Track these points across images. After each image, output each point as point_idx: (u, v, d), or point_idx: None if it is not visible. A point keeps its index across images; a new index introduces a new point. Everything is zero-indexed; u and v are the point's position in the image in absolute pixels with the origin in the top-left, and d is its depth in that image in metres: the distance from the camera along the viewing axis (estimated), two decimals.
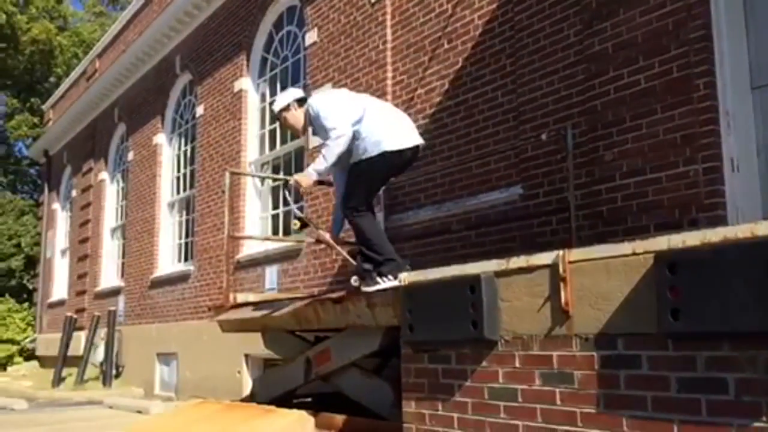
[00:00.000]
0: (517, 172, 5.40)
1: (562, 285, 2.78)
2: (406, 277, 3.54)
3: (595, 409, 2.63)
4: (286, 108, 4.53)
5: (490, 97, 5.72)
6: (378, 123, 4.24)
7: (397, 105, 6.59)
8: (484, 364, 3.08)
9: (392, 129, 4.26)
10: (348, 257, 4.96)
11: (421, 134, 6.23)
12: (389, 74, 6.74)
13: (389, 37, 6.80)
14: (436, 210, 6.03)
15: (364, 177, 4.28)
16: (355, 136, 4.23)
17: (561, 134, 4.86)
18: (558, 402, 2.75)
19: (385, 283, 4.05)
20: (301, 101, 4.53)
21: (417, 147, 4.39)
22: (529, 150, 5.27)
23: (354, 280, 4.26)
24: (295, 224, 4.85)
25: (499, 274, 3.07)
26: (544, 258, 2.89)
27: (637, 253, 2.55)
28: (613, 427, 2.55)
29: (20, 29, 25.20)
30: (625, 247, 2.60)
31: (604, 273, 2.66)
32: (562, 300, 2.78)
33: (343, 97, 4.49)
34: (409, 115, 6.42)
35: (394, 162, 4.28)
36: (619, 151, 4.61)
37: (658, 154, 4.37)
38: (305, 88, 8.17)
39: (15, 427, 6.71)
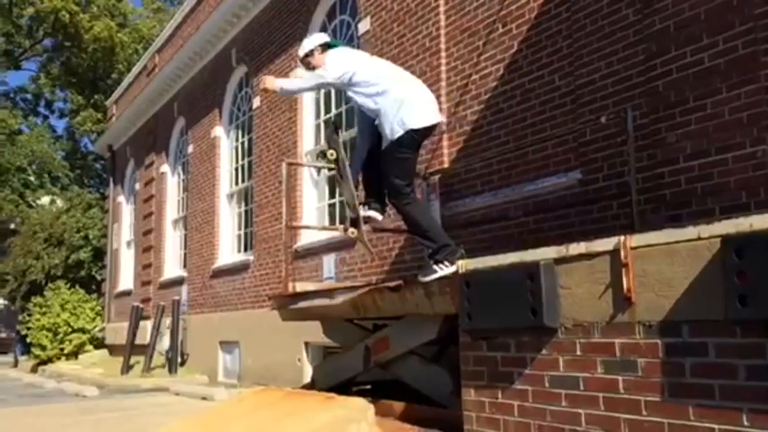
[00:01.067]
0: (575, 157, 5.30)
1: (623, 271, 2.73)
2: (463, 265, 3.53)
3: (660, 397, 2.57)
4: (311, 53, 4.52)
5: (547, 80, 5.62)
6: (402, 98, 4.17)
7: (451, 91, 6.57)
8: (544, 351, 3.05)
9: (417, 104, 4.20)
10: (367, 246, 4.93)
11: (476, 120, 6.25)
12: (443, 60, 6.69)
13: (443, 23, 6.74)
14: (492, 196, 5.97)
15: (399, 160, 4.21)
16: (380, 113, 4.20)
17: (621, 116, 4.74)
18: (621, 390, 2.71)
19: (442, 270, 4.02)
20: (325, 47, 4.52)
21: (435, 125, 4.38)
22: (588, 133, 5.16)
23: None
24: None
25: (559, 261, 3.03)
26: (605, 244, 2.84)
27: (703, 237, 2.47)
28: (679, 416, 2.50)
29: (83, 28, 26.03)
30: (690, 232, 2.53)
31: (667, 258, 2.60)
32: (624, 287, 2.72)
33: (359, 58, 4.47)
34: (464, 101, 6.40)
35: (419, 139, 4.26)
36: (683, 133, 4.47)
37: (724, 135, 4.22)
38: None
39: (88, 413, 6.98)
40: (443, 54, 6.69)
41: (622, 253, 2.73)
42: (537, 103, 5.69)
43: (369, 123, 4.41)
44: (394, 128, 4.12)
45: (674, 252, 2.57)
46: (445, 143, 6.57)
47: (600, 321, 2.83)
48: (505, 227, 5.78)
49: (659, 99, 4.64)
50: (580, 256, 2.94)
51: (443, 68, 6.68)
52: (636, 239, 2.73)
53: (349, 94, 4.39)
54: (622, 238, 2.76)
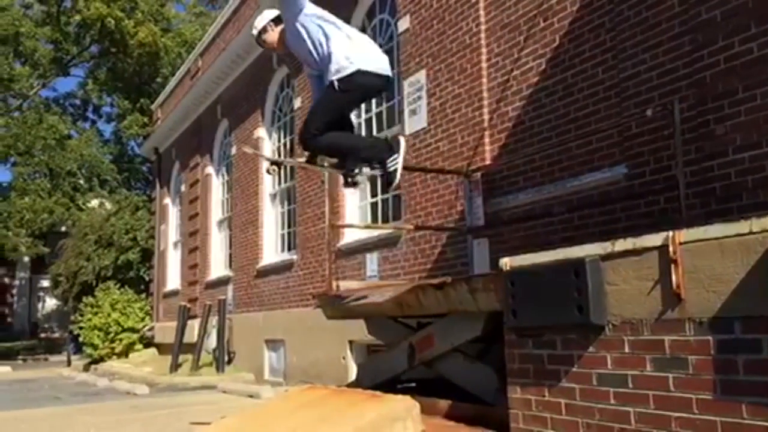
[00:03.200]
0: (620, 151, 5.22)
1: (672, 267, 2.68)
2: (508, 262, 3.50)
3: (712, 395, 2.52)
4: (264, 30, 4.52)
5: (590, 74, 5.55)
6: (353, 42, 4.20)
7: (492, 87, 6.53)
8: (591, 349, 3.01)
9: (369, 51, 4.23)
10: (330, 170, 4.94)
11: (518, 116, 6.20)
12: (483, 56, 6.66)
13: (482, 19, 6.71)
14: (536, 193, 5.92)
15: (334, 100, 4.24)
16: (329, 54, 4.18)
17: (667, 109, 4.65)
18: (672, 388, 2.66)
19: (397, 163, 4.18)
20: (277, 20, 4.49)
21: (388, 78, 4.32)
22: (633, 127, 5.08)
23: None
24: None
25: (605, 257, 2.99)
26: (653, 239, 2.79)
27: (755, 231, 2.41)
28: (732, 414, 2.44)
29: (128, 34, 26.57)
30: (741, 226, 2.47)
31: (718, 254, 2.54)
32: (674, 283, 2.67)
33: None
34: (505, 97, 6.36)
35: (367, 84, 4.22)
36: (732, 125, 4.36)
37: None
38: (399, 75, 8.20)
39: (139, 411, 7.14)
40: (483, 50, 6.66)
41: (671, 249, 2.68)
42: (580, 97, 5.61)
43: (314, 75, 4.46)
44: (342, 66, 4.14)
45: (725, 247, 2.51)
46: (486, 140, 6.53)
47: (648, 318, 2.78)
48: (548, 224, 5.72)
49: (707, 90, 4.54)
50: (627, 252, 2.90)
51: (484, 65, 6.64)
52: (685, 234, 2.68)
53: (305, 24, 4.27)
54: (671, 233, 2.71)
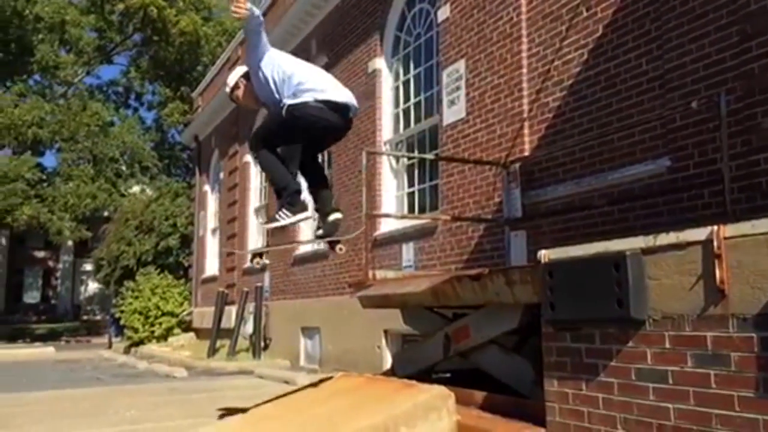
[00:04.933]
0: (663, 144, 5.12)
1: (716, 262, 2.63)
2: (546, 255, 3.48)
3: (755, 393, 2.48)
4: (236, 86, 4.52)
5: (633, 65, 5.45)
6: (313, 76, 4.20)
7: (532, 78, 6.46)
8: (630, 344, 2.98)
9: (327, 85, 4.19)
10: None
11: (558, 107, 6.12)
12: (524, 47, 6.59)
13: (524, 8, 6.63)
14: (575, 185, 5.85)
15: (278, 122, 4.21)
16: (289, 86, 4.15)
17: (713, 101, 4.55)
18: (713, 385, 2.62)
19: (283, 219, 4.04)
20: (247, 75, 4.48)
21: (347, 109, 4.22)
22: (677, 119, 4.98)
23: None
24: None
25: (646, 251, 2.95)
26: (697, 234, 2.74)
27: None
28: None
29: (170, 22, 26.93)
30: None
31: (763, 249, 2.49)
32: (717, 278, 2.63)
33: None
34: (546, 88, 6.29)
35: (316, 116, 4.13)
36: None
37: None
38: (438, 65, 8.16)
39: (177, 393, 7.28)
40: (524, 40, 6.59)
41: (715, 244, 2.63)
42: (623, 88, 5.52)
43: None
44: (296, 94, 4.12)
45: None
46: (526, 131, 6.47)
47: (690, 313, 2.74)
48: (588, 217, 5.65)
49: (754, 82, 4.42)
50: (670, 247, 2.86)
51: (524, 54, 6.57)
52: (730, 229, 2.63)
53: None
54: (715, 227, 2.66)
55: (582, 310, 3.20)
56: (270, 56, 4.24)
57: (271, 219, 4.19)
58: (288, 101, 4.13)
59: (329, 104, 4.14)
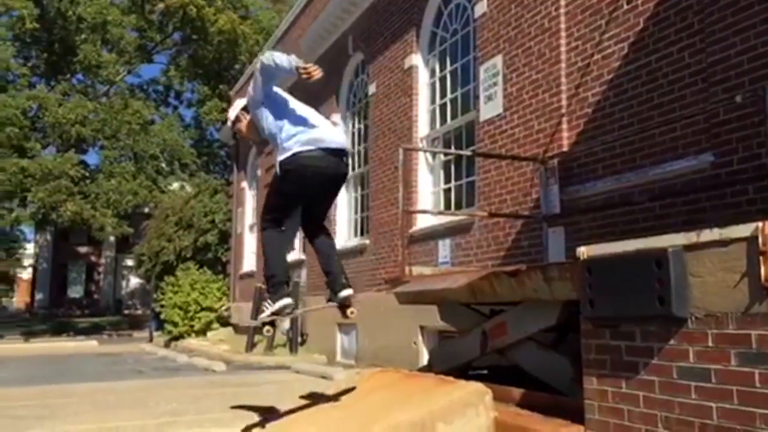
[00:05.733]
0: (706, 138, 5.02)
1: (761, 259, 2.58)
2: (585, 251, 3.44)
3: None
4: (237, 120, 4.49)
5: (675, 58, 5.35)
6: (296, 119, 4.09)
7: (571, 73, 6.38)
8: (672, 342, 2.93)
9: (309, 127, 4.07)
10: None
11: (598, 102, 6.05)
12: (563, 41, 6.51)
13: (562, 2, 6.55)
14: (615, 181, 5.77)
15: (277, 188, 4.16)
16: (279, 135, 4.10)
17: (758, 95, 4.45)
18: (757, 384, 2.57)
19: (266, 310, 3.94)
20: (246, 108, 4.44)
21: (340, 154, 4.11)
22: (720, 114, 4.88)
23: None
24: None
25: (689, 247, 2.90)
26: (741, 230, 2.69)
27: None
28: None
29: (209, 21, 27.27)
30: None
31: None
32: (762, 275, 2.57)
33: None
34: (585, 83, 6.21)
35: (308, 168, 4.00)
36: None
37: None
38: (474, 60, 8.12)
39: (216, 387, 7.39)
40: (563, 34, 6.51)
41: (761, 240, 2.58)
42: (664, 82, 5.43)
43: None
44: (285, 148, 4.05)
45: None
46: (564, 126, 6.41)
47: (734, 311, 2.69)
48: (628, 213, 5.58)
49: None
50: (713, 243, 2.80)
51: (563, 49, 6.50)
52: None
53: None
54: (761, 224, 2.60)
55: (622, 307, 3.17)
56: (269, 103, 4.19)
57: (258, 314, 4.08)
58: (279, 158, 4.08)
59: (319, 151, 4.03)
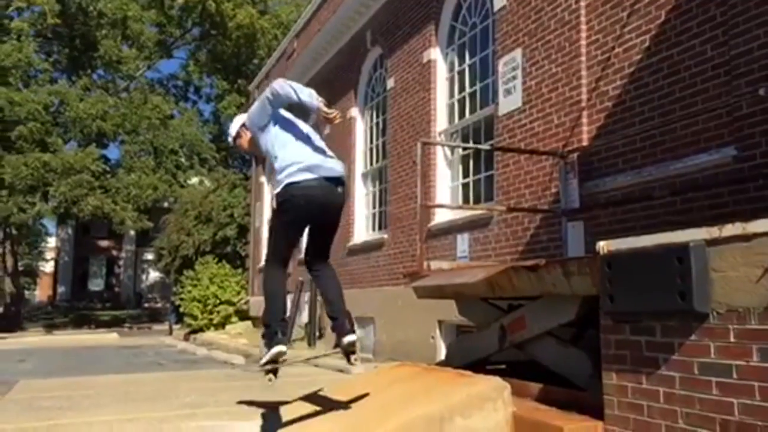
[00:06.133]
0: (729, 132, 4.96)
1: None
2: (605, 246, 3.42)
3: None
4: (238, 136, 4.47)
5: (697, 51, 5.28)
6: (291, 148, 4.02)
7: (592, 66, 6.33)
8: (693, 337, 2.91)
9: (303, 156, 4.00)
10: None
11: (618, 95, 5.99)
12: (583, 34, 6.45)
13: None
14: (635, 175, 5.72)
15: (275, 223, 4.12)
16: (275, 164, 4.05)
17: None
18: None
19: (263, 358, 3.89)
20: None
21: (335, 182, 4.03)
22: (743, 107, 4.81)
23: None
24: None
25: (711, 242, 2.87)
26: (764, 225, 2.65)
27: None
28: None
29: (227, 16, 27.42)
30: None
31: None
32: None
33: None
34: (605, 76, 6.16)
35: (301, 197, 3.92)
36: None
37: None
38: (493, 54, 8.08)
39: (235, 380, 7.43)
40: (583, 27, 6.45)
41: None
42: (686, 75, 5.36)
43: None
44: (278, 180, 4.00)
45: None
46: (584, 120, 6.35)
47: (757, 307, 2.66)
48: (648, 207, 5.52)
49: None
50: (736, 238, 2.77)
51: (583, 42, 6.44)
52: None
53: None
54: None
55: (642, 302, 3.14)
56: (269, 129, 4.16)
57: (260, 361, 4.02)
58: (275, 191, 4.04)
59: (312, 180, 3.96)
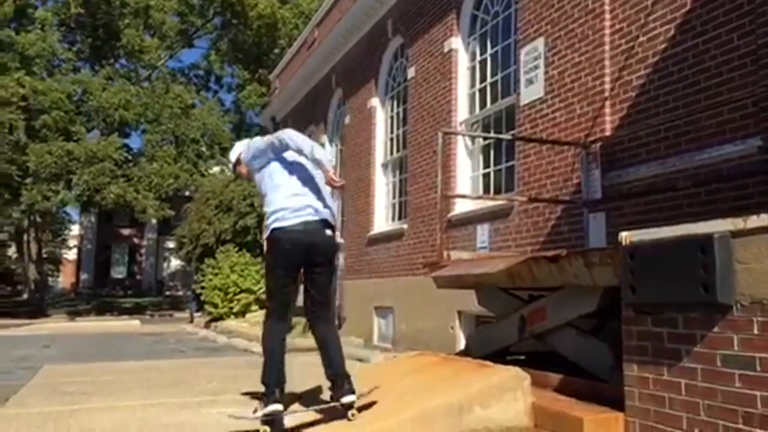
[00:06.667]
0: (755, 122, 4.89)
1: None
2: (627, 237, 3.39)
3: None
4: (238, 163, 4.47)
5: (724, 40, 5.20)
6: (282, 191, 4.02)
7: (615, 55, 6.26)
8: (716, 329, 2.88)
9: (292, 201, 3.99)
10: None
11: (642, 85, 5.92)
12: (607, 23, 6.38)
13: None
14: (659, 166, 5.66)
15: (266, 266, 4.13)
16: (265, 206, 4.08)
17: None
18: None
19: (258, 411, 3.84)
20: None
21: (322, 225, 4.03)
22: None
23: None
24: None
25: (736, 234, 2.84)
26: None
27: None
28: None
29: (248, 5, 27.44)
30: None
31: None
32: None
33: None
34: (629, 65, 6.09)
35: (287, 241, 3.93)
36: None
37: None
38: (515, 43, 8.02)
39: (255, 367, 7.47)
40: (607, 15, 6.38)
41: None
42: (712, 65, 5.29)
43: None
44: (267, 225, 4.02)
45: None
46: (607, 110, 6.30)
47: None
48: (672, 198, 5.47)
49: None
50: (761, 230, 2.74)
51: (607, 31, 6.37)
52: None
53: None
54: None
55: (665, 293, 3.12)
56: (265, 168, 4.18)
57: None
58: (263, 236, 4.07)
59: (300, 224, 3.96)
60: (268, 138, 4.23)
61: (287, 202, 4.01)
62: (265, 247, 4.09)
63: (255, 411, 3.88)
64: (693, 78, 5.44)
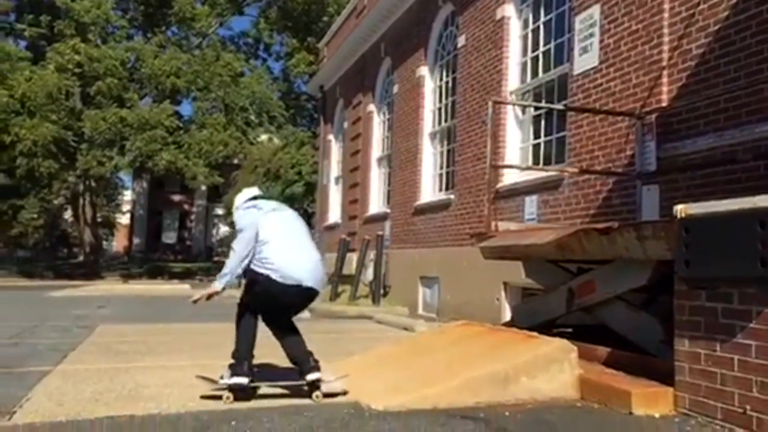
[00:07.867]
0: None
1: None
2: (683, 210, 3.32)
3: None
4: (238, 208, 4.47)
5: None
6: (278, 253, 4.08)
7: (674, 23, 6.06)
8: None
9: (288, 262, 4.07)
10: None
11: (702, 54, 5.73)
12: None
13: None
14: (717, 138, 5.49)
15: (246, 293, 4.21)
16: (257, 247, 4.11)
17: None
18: None
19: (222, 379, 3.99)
20: (251, 200, 4.44)
21: (306, 291, 4.11)
22: None
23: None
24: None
25: None
26: None
27: None
28: None
29: None
30: None
31: None
32: None
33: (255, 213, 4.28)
34: (689, 34, 5.89)
35: (277, 296, 4.06)
36: None
37: None
38: (570, 11, 7.82)
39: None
40: None
41: None
42: None
43: None
44: (261, 265, 4.08)
45: None
46: (664, 80, 6.11)
47: None
48: (730, 171, 5.31)
49: None
50: None
51: None
52: None
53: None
54: None
55: (720, 268, 3.05)
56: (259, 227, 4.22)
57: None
58: (251, 266, 4.14)
59: (293, 287, 4.07)
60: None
61: (283, 261, 4.12)
62: (250, 275, 4.22)
63: (221, 378, 4.04)
64: (756, 47, 5.23)
